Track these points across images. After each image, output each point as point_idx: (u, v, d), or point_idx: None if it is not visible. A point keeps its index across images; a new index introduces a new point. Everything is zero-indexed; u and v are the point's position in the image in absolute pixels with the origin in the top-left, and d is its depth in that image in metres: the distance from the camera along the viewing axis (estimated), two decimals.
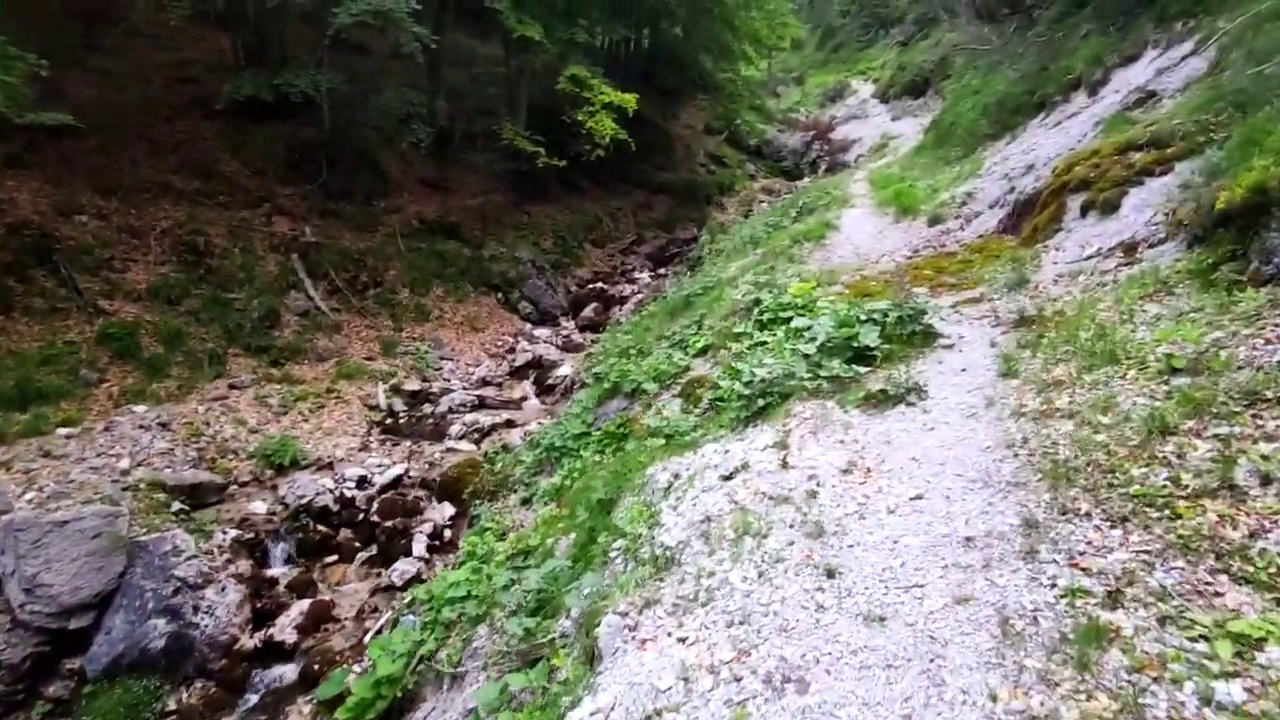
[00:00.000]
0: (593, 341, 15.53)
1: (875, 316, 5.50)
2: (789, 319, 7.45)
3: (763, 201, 25.79)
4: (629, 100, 18.11)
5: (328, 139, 16.51)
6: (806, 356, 5.33)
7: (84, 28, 18.74)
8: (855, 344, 5.18)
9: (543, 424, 11.98)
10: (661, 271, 20.44)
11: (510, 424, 12.50)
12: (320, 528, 9.83)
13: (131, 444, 10.09)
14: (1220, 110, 7.71)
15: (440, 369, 14.45)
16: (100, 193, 13.55)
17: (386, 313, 15.08)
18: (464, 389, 13.75)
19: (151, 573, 8.11)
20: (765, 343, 7.07)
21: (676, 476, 4.54)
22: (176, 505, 9.40)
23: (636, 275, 20.19)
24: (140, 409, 11.04)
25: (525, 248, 18.48)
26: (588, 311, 17.72)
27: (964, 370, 5.05)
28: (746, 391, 5.07)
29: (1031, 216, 9.10)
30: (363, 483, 10.59)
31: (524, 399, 13.90)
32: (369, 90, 16.12)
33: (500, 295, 17.31)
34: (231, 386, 12.14)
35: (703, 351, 8.94)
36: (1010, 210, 10.00)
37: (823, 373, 5.00)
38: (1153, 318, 5.13)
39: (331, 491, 10.27)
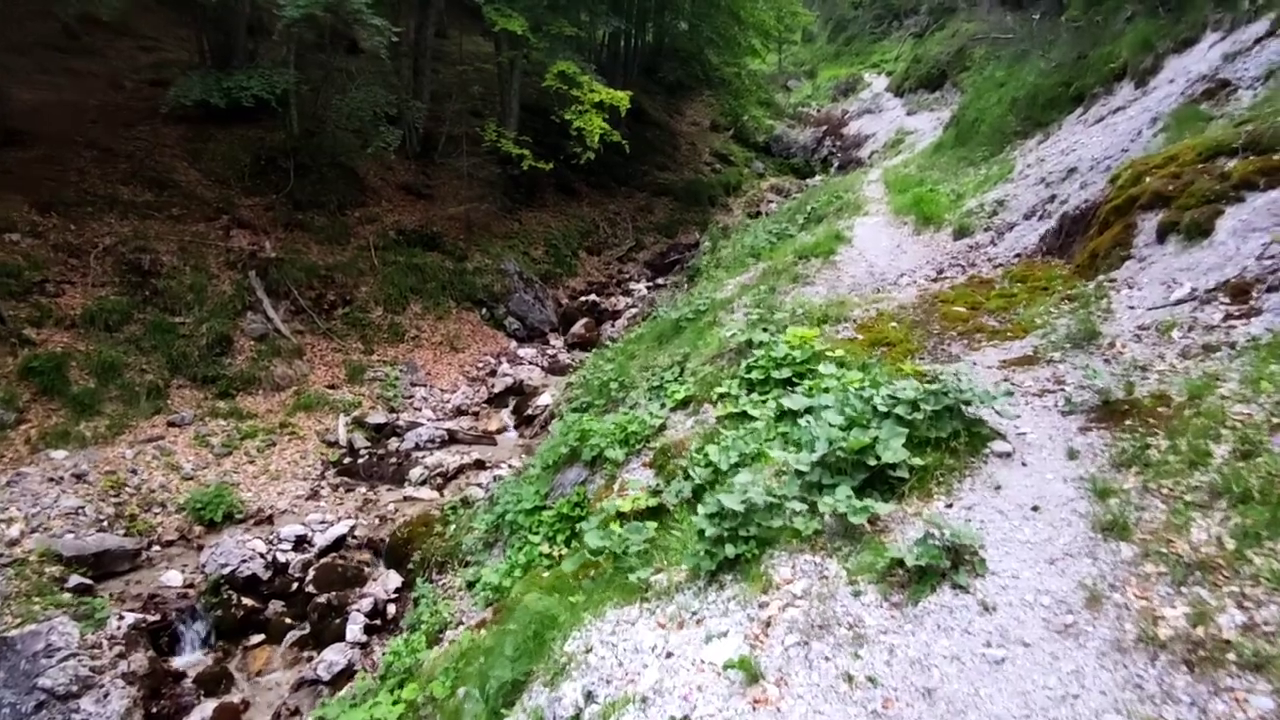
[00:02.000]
0: (580, 362, 13.79)
1: (900, 408, 3.70)
2: (785, 381, 5.63)
3: (771, 201, 23.83)
4: (621, 98, 16.23)
5: (297, 144, 14.83)
6: (800, 474, 3.56)
7: (64, 27, 17.26)
8: (872, 458, 3.40)
9: (514, 466, 10.29)
10: (660, 281, 18.61)
11: (480, 464, 10.81)
12: (246, 601, 8.18)
13: (31, 503, 8.51)
14: None
15: (411, 397, 12.75)
16: (37, 207, 11.96)
17: (356, 334, 13.41)
18: (434, 421, 12.06)
19: (15, 679, 6.48)
20: (750, 417, 5.26)
21: (589, 697, 2.80)
22: (75, 580, 7.80)
23: (633, 285, 18.37)
24: (59, 455, 9.46)
25: (513, 258, 16.72)
26: (578, 327, 15.95)
27: (1036, 510, 3.23)
28: (711, 531, 3.32)
29: (1086, 238, 7.18)
30: (301, 544, 8.95)
31: (501, 430, 12.20)
32: (337, 90, 14.38)
33: (484, 311, 15.58)
34: (170, 424, 10.54)
35: (683, 404, 7.15)
36: (1057, 227, 8.07)
37: (823, 507, 3.24)
38: None
39: (263, 556, 8.63)
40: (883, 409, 3.81)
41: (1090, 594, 2.61)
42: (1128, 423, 3.88)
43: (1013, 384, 4.87)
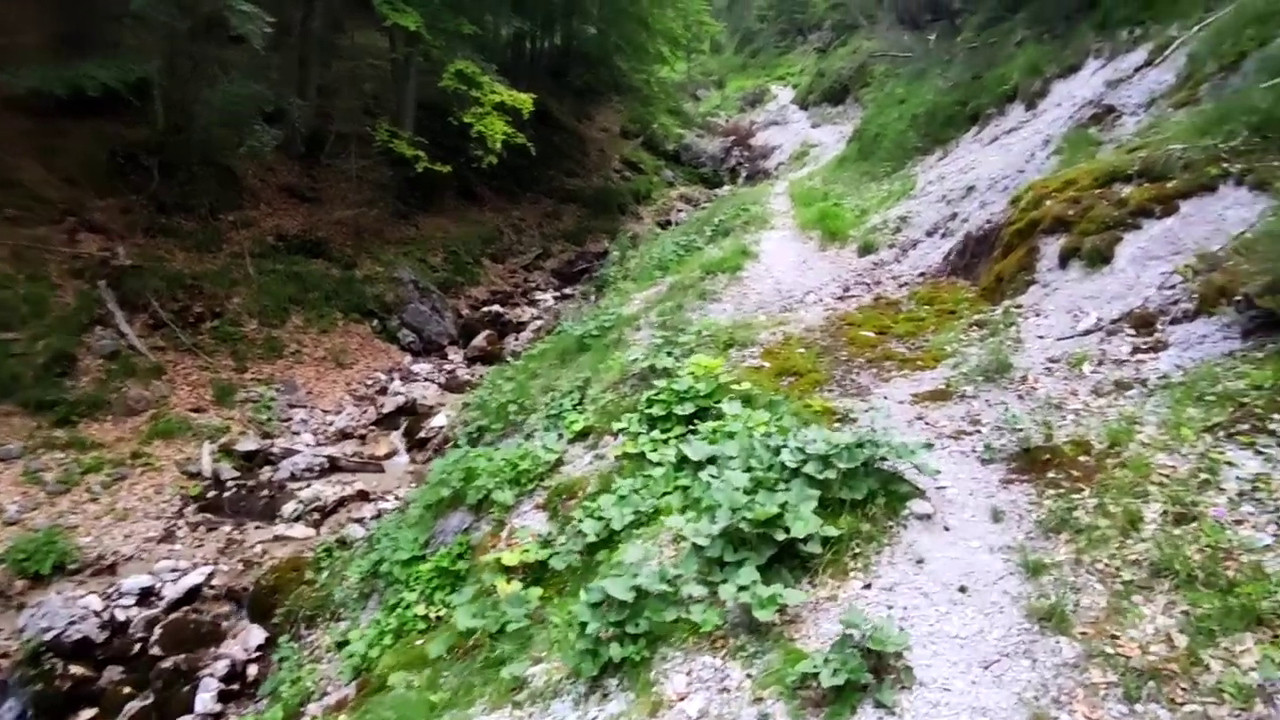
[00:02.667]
0: (481, 378, 12.94)
1: (810, 465, 3.23)
2: (688, 417, 5.11)
3: (681, 210, 23.58)
4: (524, 101, 15.50)
5: (162, 140, 13.30)
6: (699, 549, 3.03)
7: None
8: (780, 530, 2.90)
9: (402, 497, 9.40)
10: (568, 291, 17.93)
11: (364, 496, 9.84)
12: (75, 669, 6.98)
13: None
14: (1232, 134, 5.77)
15: (289, 420, 11.58)
16: None
17: (226, 350, 12.08)
18: (314, 447, 10.96)
19: None
20: (648, 462, 4.71)
21: None
22: None
23: (539, 295, 17.61)
24: None
25: (409, 266, 15.66)
26: (480, 340, 15.05)
27: (963, 591, 2.80)
28: (594, 626, 2.74)
29: (990, 259, 7.05)
30: (147, 597, 7.77)
31: (390, 455, 11.21)
32: (208, 82, 12.98)
33: (375, 323, 14.47)
34: None
35: (581, 435, 6.55)
36: (961, 246, 7.96)
37: (725, 594, 2.71)
38: (1255, 482, 3.00)
39: (98, 614, 7.43)
40: (792, 464, 3.34)
41: (1033, 714, 2.18)
42: (1050, 474, 3.56)
43: (927, 423, 4.52)
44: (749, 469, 3.54)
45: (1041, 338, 5.28)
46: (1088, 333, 5.05)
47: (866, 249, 10.38)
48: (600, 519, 4.10)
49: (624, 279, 14.89)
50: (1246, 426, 3.39)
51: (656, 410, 5.27)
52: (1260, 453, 3.20)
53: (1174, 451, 3.41)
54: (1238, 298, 4.19)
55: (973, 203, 9.70)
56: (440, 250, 17.65)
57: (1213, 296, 4.46)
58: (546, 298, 17.35)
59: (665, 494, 4.08)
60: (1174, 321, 4.68)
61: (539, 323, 15.59)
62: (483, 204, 20.30)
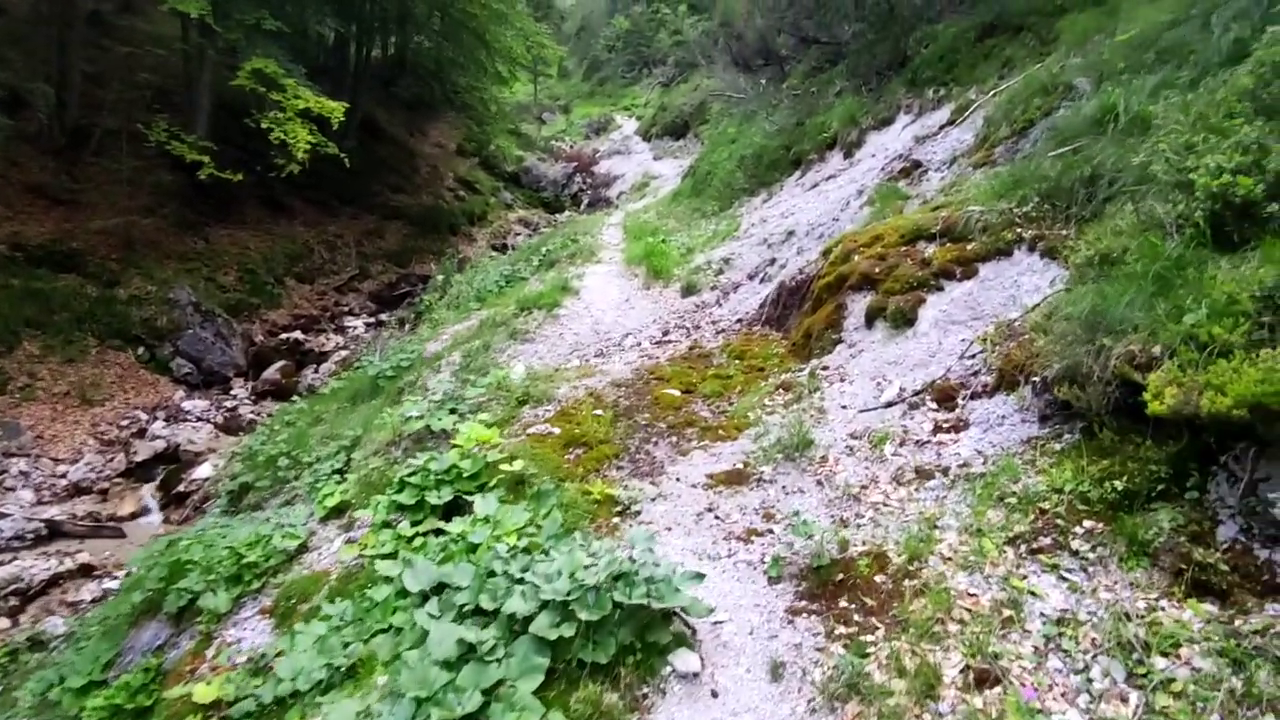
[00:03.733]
0: (269, 416, 11.15)
1: (544, 616, 2.38)
2: (442, 509, 4.12)
3: (519, 234, 22.56)
4: (334, 109, 13.91)
5: None
6: None
7: None
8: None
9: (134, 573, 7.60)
10: (385, 316, 16.31)
11: (88, 571, 7.93)
12: None
13: None
14: (1024, 199, 5.72)
15: (3, 473, 9.27)
16: None
17: None
18: (32, 507, 8.78)
19: None
20: (375, 573, 3.66)
21: None
22: None
23: (350, 321, 15.86)
24: None
25: (189, 285, 13.44)
26: (273, 372, 13.17)
27: None
28: None
29: (801, 313, 6.67)
30: None
31: (137, 515, 9.26)
32: None
33: (142, 351, 12.21)
34: None
35: (335, 513, 5.36)
36: (775, 296, 7.59)
37: None
38: (1060, 625, 2.50)
39: None
40: (524, 613, 2.46)
41: None
42: (843, 602, 2.93)
43: (718, 517, 3.84)
44: (476, 609, 2.62)
45: (845, 407, 4.81)
46: (890, 404, 4.64)
47: (689, 289, 9.93)
48: (279, 681, 3.00)
49: (446, 307, 13.65)
50: (1049, 540, 2.94)
51: (407, 496, 4.23)
52: (1064, 578, 2.74)
53: (975, 571, 2.90)
54: (1035, 379, 3.86)
55: (791, 248, 9.52)
56: (234, 268, 15.44)
57: (1010, 373, 4.15)
58: (358, 324, 15.64)
59: (378, 633, 3.08)
60: (974, 396, 4.35)
61: (344, 353, 13.92)
62: (292, 217, 18.17)
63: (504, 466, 4.31)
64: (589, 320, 9.25)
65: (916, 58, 12.23)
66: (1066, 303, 3.99)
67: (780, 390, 5.43)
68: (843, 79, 13.89)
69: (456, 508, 4.21)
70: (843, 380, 5.20)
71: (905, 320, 5.43)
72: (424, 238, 20.41)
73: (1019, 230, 5.50)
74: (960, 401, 4.38)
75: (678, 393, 5.83)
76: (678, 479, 4.32)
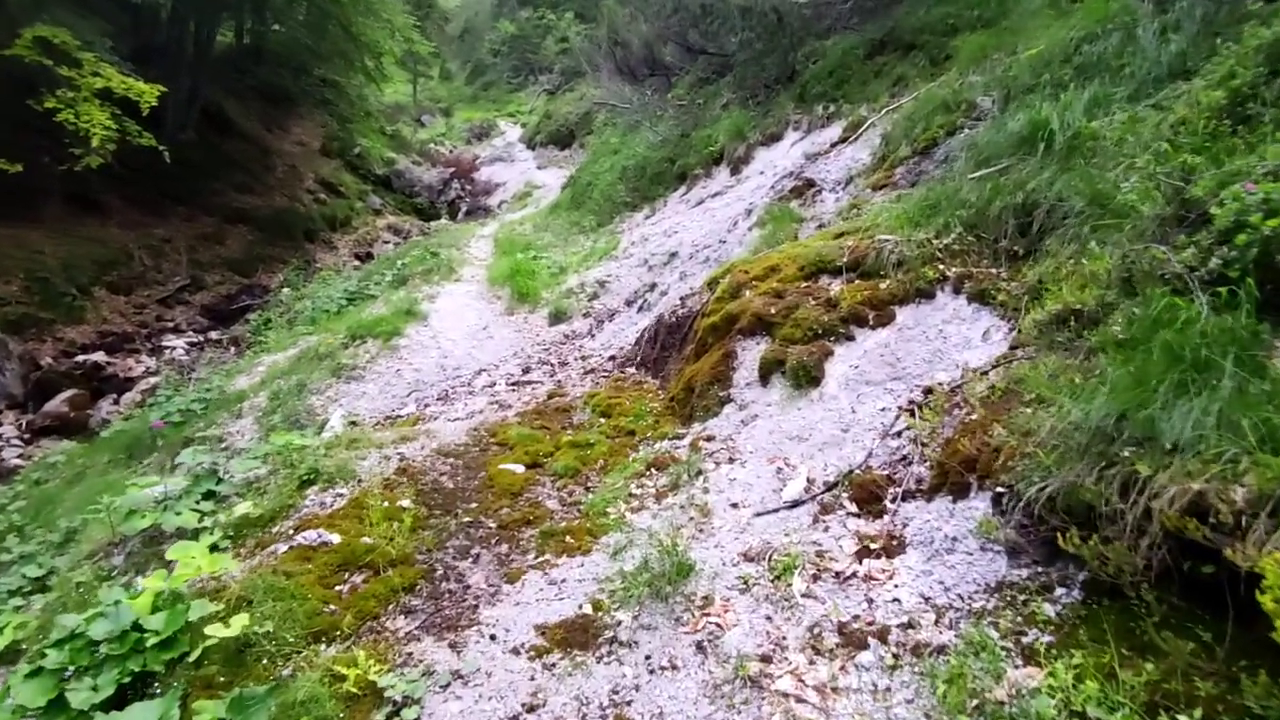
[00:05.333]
0: (42, 460, 8.67)
1: None
2: (88, 714, 2.43)
3: (387, 242, 20.28)
4: (144, 91, 11.46)
5: None
6: None
7: None
8: None
9: None
10: (216, 334, 13.80)
11: None
12: None
13: None
14: (946, 228, 4.65)
15: None
16: None
17: None
18: None
19: None
20: None
21: None
22: None
23: (171, 341, 13.22)
24: None
25: None
26: (58, 403, 10.58)
27: None
28: None
29: (682, 358, 5.35)
30: None
31: None
32: None
33: None
34: None
35: (6, 658, 3.49)
36: (653, 332, 6.24)
37: None
38: None
39: None
40: None
41: None
42: None
43: (543, 709, 2.36)
44: None
45: (736, 505, 3.49)
46: (796, 503, 3.35)
47: (558, 316, 8.46)
48: None
49: (280, 327, 11.49)
50: None
51: (35, 692, 2.49)
52: None
53: None
54: (999, 489, 2.65)
55: (673, 272, 8.26)
56: (19, 275, 12.50)
57: (956, 469, 2.95)
58: (179, 344, 13.04)
59: None
60: (907, 496, 3.13)
61: (154, 380, 11.41)
62: (106, 216, 15.20)
63: (216, 631, 2.65)
64: (435, 353, 7.58)
65: (805, 72, 11.39)
66: (1035, 380, 2.82)
67: (653, 470, 4.04)
68: (730, 91, 12.91)
69: (118, 705, 2.51)
70: (732, 461, 3.88)
71: (809, 378, 4.19)
72: (274, 244, 17.78)
73: (941, 267, 4.41)
74: (889, 504, 3.15)
75: (521, 469, 4.33)
76: (493, 636, 2.82)
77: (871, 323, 4.34)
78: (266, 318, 12.32)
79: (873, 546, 2.93)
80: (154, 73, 13.16)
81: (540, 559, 3.36)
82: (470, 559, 3.43)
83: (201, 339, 13.59)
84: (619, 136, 15.64)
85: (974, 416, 3.12)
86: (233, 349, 11.90)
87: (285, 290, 14.26)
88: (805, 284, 4.82)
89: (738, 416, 4.33)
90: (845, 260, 4.81)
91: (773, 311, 4.65)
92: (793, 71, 11.98)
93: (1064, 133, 4.32)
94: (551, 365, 7.08)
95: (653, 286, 8.08)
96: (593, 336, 7.78)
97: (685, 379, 4.94)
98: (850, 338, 4.32)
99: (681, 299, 6.28)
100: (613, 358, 6.84)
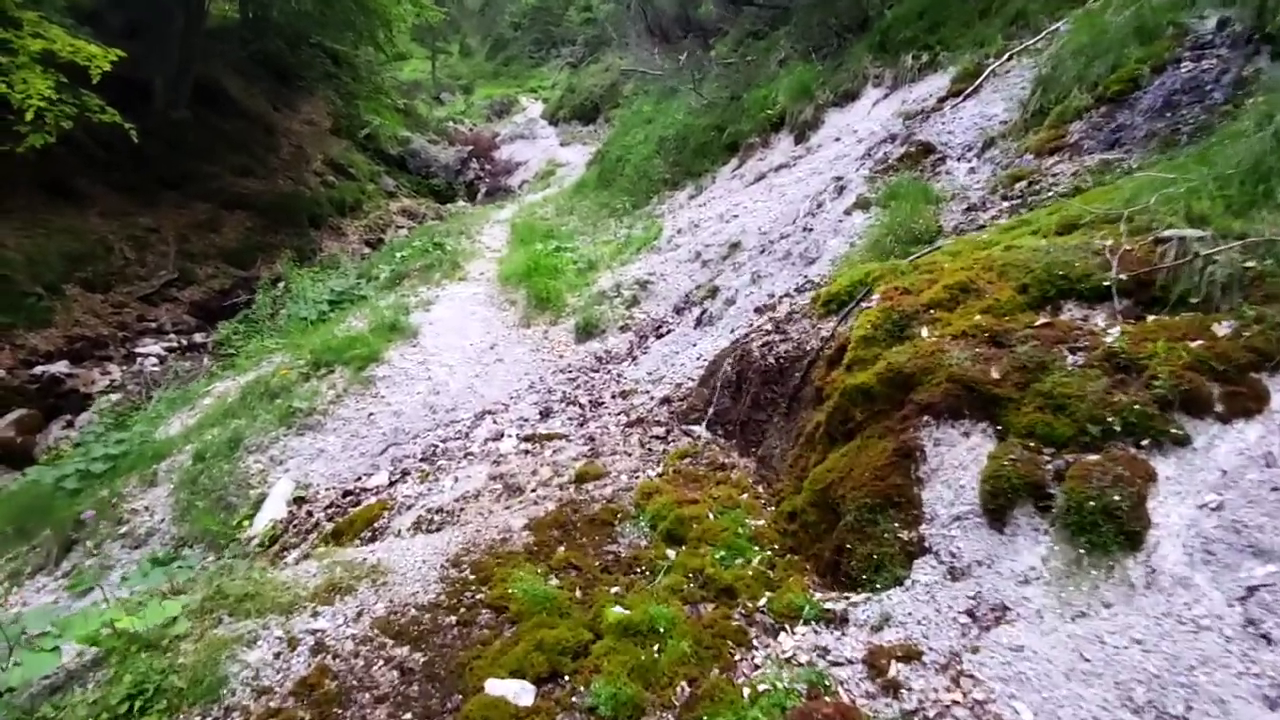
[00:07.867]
0: None
1: None
2: None
3: (400, 228, 18.19)
4: (96, 54, 9.32)
5: None
6: None
7: None
8: None
9: None
10: (203, 337, 11.83)
11: None
12: None
13: None
14: (1265, 194, 2.35)
15: None
16: None
17: None
18: None
19: None
20: None
21: None
22: None
23: (147, 347, 11.24)
24: None
25: None
26: (4, 425, 8.72)
27: None
28: None
29: (797, 431, 3.12)
30: None
31: None
32: None
33: None
34: None
35: None
36: (732, 374, 4.00)
37: None
38: None
39: None
40: None
41: None
42: None
43: None
44: None
45: None
46: None
47: (588, 329, 6.26)
48: None
49: (263, 335, 9.47)
50: None
51: None
52: None
53: None
54: None
55: (739, 272, 5.99)
56: None
57: None
58: (155, 350, 11.05)
59: None
60: None
61: (116, 396, 9.45)
62: (84, 205, 13.22)
63: None
64: (424, 387, 5.43)
65: (885, 17, 8.94)
66: None
67: None
68: (789, 44, 10.46)
69: None
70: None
71: (1119, 531, 1.95)
72: (276, 232, 15.72)
73: None
74: None
75: (528, 696, 2.16)
76: None
77: (1219, 408, 2.08)
78: (235, 326, 10.27)
79: None
80: (143, 46, 11.11)
81: None
82: None
83: (184, 343, 11.61)
84: (651, 104, 13.23)
85: None
86: (207, 358, 9.90)
87: (281, 284, 12.19)
88: (1042, 318, 2.55)
89: (948, 595, 2.11)
90: (1115, 275, 2.53)
91: (994, 374, 2.39)
92: (866, 17, 9.54)
93: None
94: (581, 407, 4.89)
95: (714, 291, 5.83)
96: (634, 361, 5.57)
97: (818, 485, 2.72)
98: (1181, 442, 2.07)
99: (775, 323, 4.03)
100: (666, 399, 4.63)
